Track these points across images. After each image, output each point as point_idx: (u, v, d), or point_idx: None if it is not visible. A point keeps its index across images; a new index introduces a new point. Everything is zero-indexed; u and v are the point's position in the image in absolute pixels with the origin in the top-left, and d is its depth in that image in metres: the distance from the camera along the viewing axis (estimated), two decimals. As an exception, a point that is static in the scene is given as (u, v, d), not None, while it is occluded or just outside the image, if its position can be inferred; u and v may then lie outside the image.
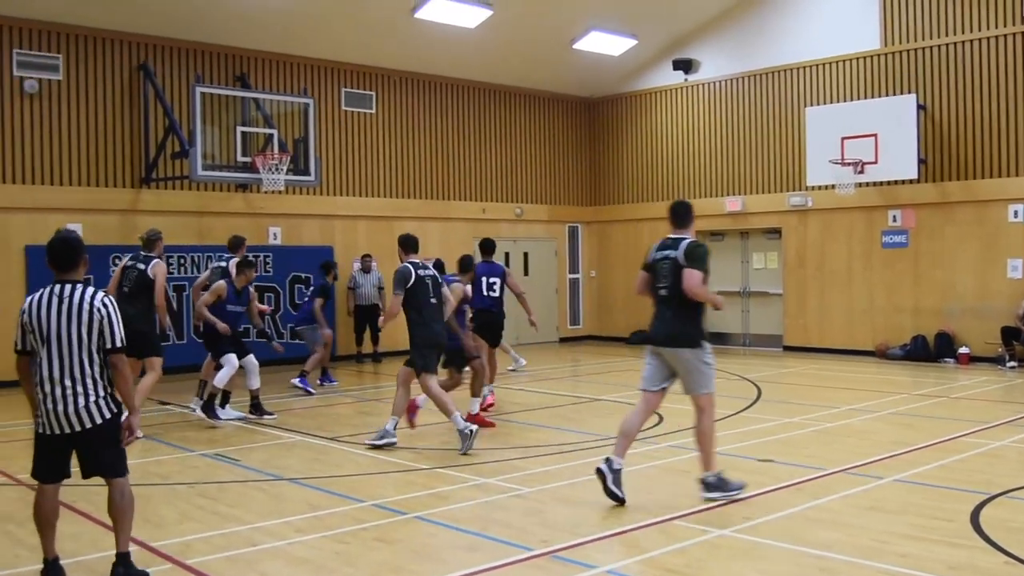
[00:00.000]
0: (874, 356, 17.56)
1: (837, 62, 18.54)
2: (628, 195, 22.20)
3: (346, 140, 18.97)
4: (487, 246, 12.96)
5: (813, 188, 18.56)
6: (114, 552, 5.64)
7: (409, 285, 9.42)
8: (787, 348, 19.11)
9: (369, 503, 7.39)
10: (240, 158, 15.71)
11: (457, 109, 20.61)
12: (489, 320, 11.94)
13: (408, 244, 9.84)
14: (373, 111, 19.29)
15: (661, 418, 11.09)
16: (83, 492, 7.71)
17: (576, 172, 22.89)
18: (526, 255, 21.37)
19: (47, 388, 5.33)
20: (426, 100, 20.08)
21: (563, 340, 22.20)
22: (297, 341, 15.00)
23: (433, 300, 9.66)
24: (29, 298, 5.45)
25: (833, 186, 17.63)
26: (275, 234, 17.85)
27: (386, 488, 7.97)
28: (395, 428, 9.55)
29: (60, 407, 5.31)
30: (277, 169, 15.44)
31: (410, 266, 9.58)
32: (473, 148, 20.90)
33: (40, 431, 5.40)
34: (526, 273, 21.29)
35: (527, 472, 8.38)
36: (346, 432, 10.62)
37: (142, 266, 10.98)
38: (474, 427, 9.41)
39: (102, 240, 15.59)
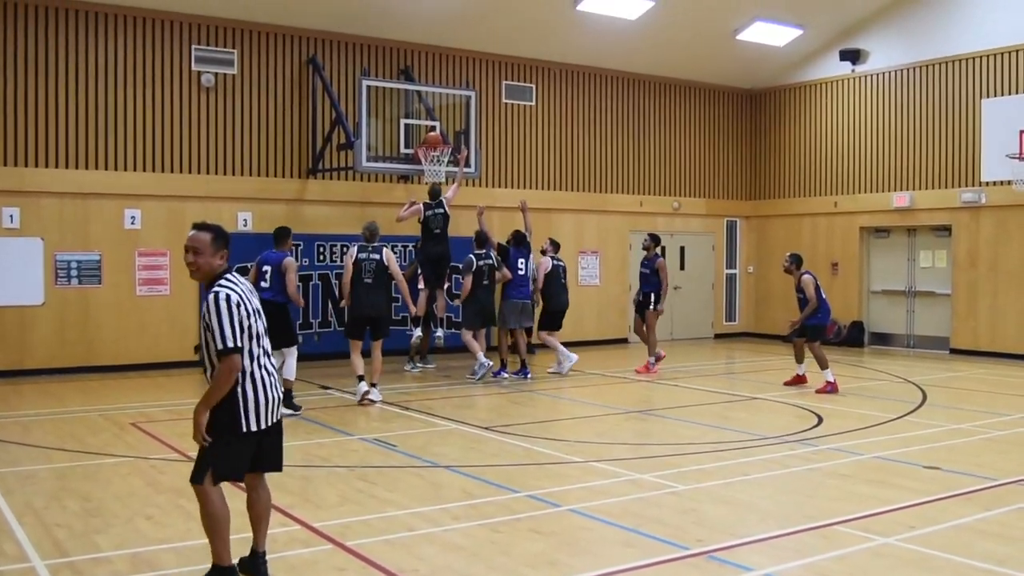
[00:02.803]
0: (1051, 362, 16.61)
1: (1017, 51, 17.59)
2: (789, 190, 21.65)
3: (506, 132, 19.04)
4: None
5: (987, 184, 17.68)
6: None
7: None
8: (954, 351, 18.29)
9: (523, 493, 7.42)
10: (403, 150, 15.96)
11: (616, 101, 20.47)
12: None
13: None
14: (533, 103, 19.34)
15: (820, 419, 10.79)
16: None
17: (736, 166, 22.45)
18: (683, 249, 21.10)
19: (269, 381, 5.23)
20: (585, 92, 20.01)
21: (718, 336, 21.82)
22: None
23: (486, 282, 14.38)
24: (238, 289, 5.14)
25: (1010, 182, 16.75)
26: None
27: (540, 479, 7.99)
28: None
29: (274, 400, 5.24)
30: (438, 161, 15.63)
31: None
32: (631, 140, 20.73)
33: (247, 429, 5.14)
34: (682, 267, 20.99)
35: (681, 469, 8.27)
36: (501, 422, 10.68)
37: (377, 256, 12.00)
38: (489, 363, 13.89)
39: (270, 228, 15.97)
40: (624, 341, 20.09)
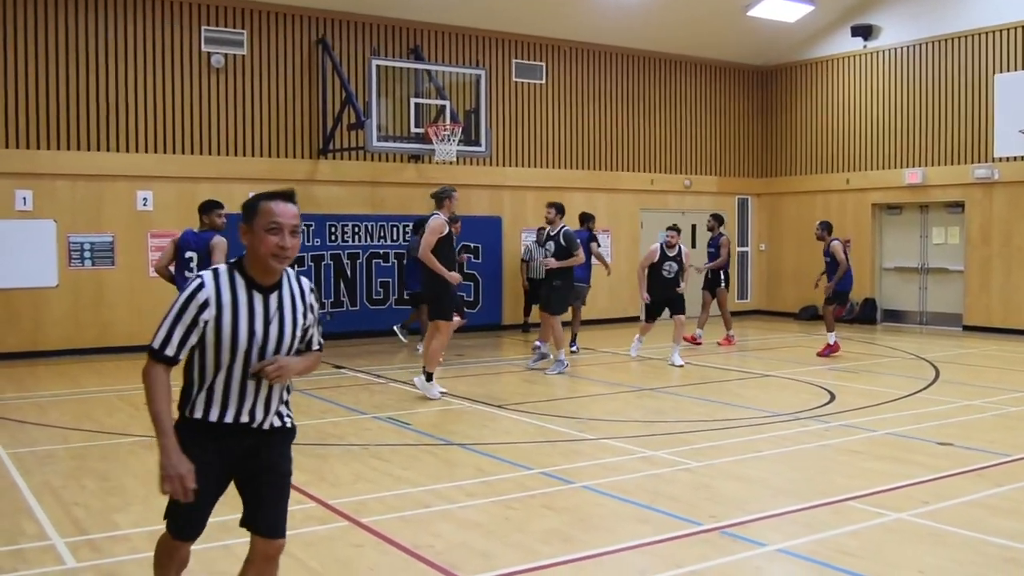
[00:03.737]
0: (1064, 338, 16.57)
1: (1031, 26, 17.46)
2: (801, 167, 21.59)
3: (516, 111, 19.04)
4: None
5: (1001, 160, 17.61)
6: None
7: None
8: (967, 328, 18.27)
9: (537, 471, 7.46)
10: (413, 129, 15.99)
11: (626, 79, 20.42)
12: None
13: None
14: (543, 82, 19.30)
15: (833, 396, 10.81)
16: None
17: (747, 143, 22.41)
18: (694, 227, 21.07)
19: None
20: (596, 70, 19.96)
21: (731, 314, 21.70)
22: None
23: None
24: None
25: (1023, 158, 16.67)
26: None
27: (553, 456, 8.03)
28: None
29: None
30: (449, 140, 15.66)
31: None
32: (642, 118, 20.68)
33: None
34: (693, 245, 20.96)
35: (694, 446, 8.30)
36: (514, 400, 10.73)
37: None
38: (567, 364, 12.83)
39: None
40: (636, 319, 20.07)
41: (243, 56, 16.19)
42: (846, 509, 6.44)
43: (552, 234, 13.21)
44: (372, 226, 17.09)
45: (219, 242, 9.76)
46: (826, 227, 14.84)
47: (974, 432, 9.01)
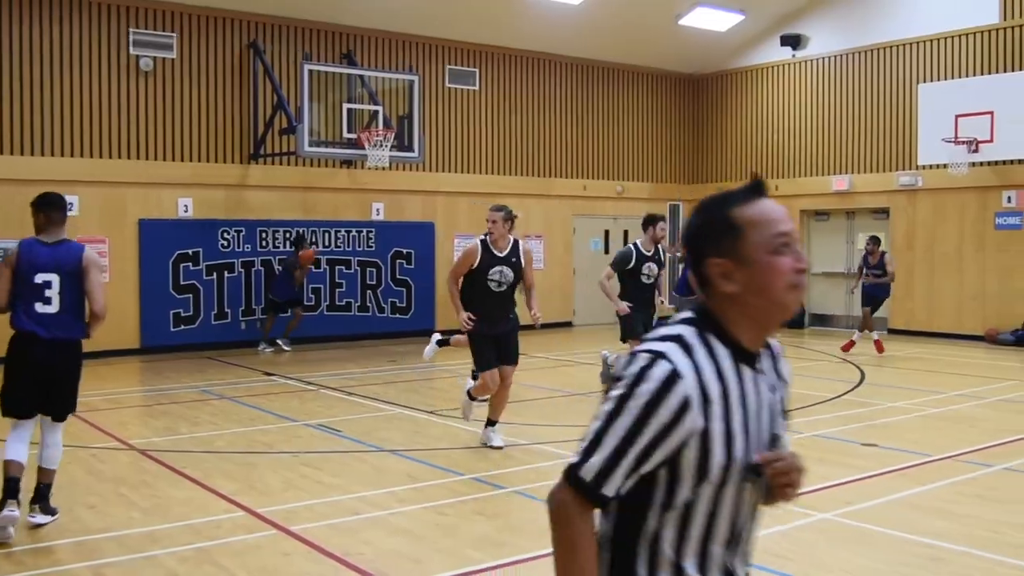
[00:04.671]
0: (983, 341, 16.97)
1: (952, 37, 17.89)
2: (731, 173, 21.85)
3: (450, 117, 19.00)
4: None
5: (924, 167, 17.99)
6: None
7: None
8: (892, 331, 18.61)
9: (468, 476, 7.45)
10: (346, 134, 15.89)
11: (559, 86, 20.52)
12: None
13: None
14: (476, 88, 19.27)
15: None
16: (193, 459, 7.96)
17: (678, 149, 22.65)
18: (626, 233, 21.21)
19: None
20: (529, 77, 20.05)
21: (662, 319, 21.89)
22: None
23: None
24: None
25: (946, 165, 17.07)
26: (378, 210, 18.01)
27: (485, 462, 8.02)
28: None
29: None
30: (381, 145, 15.60)
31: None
32: (575, 125, 20.79)
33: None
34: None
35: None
36: (445, 406, 10.70)
37: None
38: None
39: (211, 214, 15.99)
40: (568, 324, 20.18)
41: (173, 59, 15.97)
42: (773, 510, 6.49)
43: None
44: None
45: (95, 259, 6.52)
46: (876, 241, 15.81)
47: (897, 433, 9.20)
